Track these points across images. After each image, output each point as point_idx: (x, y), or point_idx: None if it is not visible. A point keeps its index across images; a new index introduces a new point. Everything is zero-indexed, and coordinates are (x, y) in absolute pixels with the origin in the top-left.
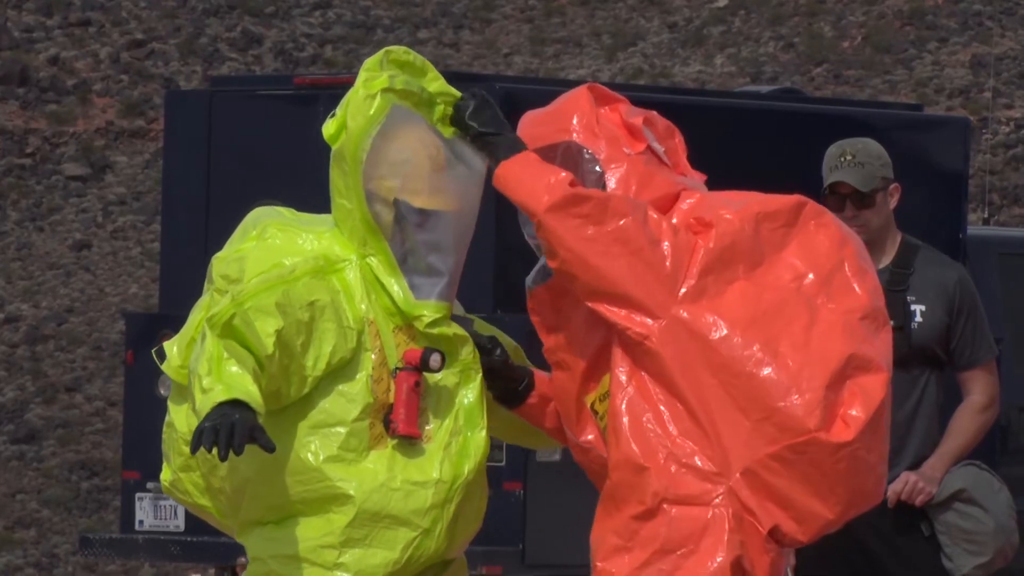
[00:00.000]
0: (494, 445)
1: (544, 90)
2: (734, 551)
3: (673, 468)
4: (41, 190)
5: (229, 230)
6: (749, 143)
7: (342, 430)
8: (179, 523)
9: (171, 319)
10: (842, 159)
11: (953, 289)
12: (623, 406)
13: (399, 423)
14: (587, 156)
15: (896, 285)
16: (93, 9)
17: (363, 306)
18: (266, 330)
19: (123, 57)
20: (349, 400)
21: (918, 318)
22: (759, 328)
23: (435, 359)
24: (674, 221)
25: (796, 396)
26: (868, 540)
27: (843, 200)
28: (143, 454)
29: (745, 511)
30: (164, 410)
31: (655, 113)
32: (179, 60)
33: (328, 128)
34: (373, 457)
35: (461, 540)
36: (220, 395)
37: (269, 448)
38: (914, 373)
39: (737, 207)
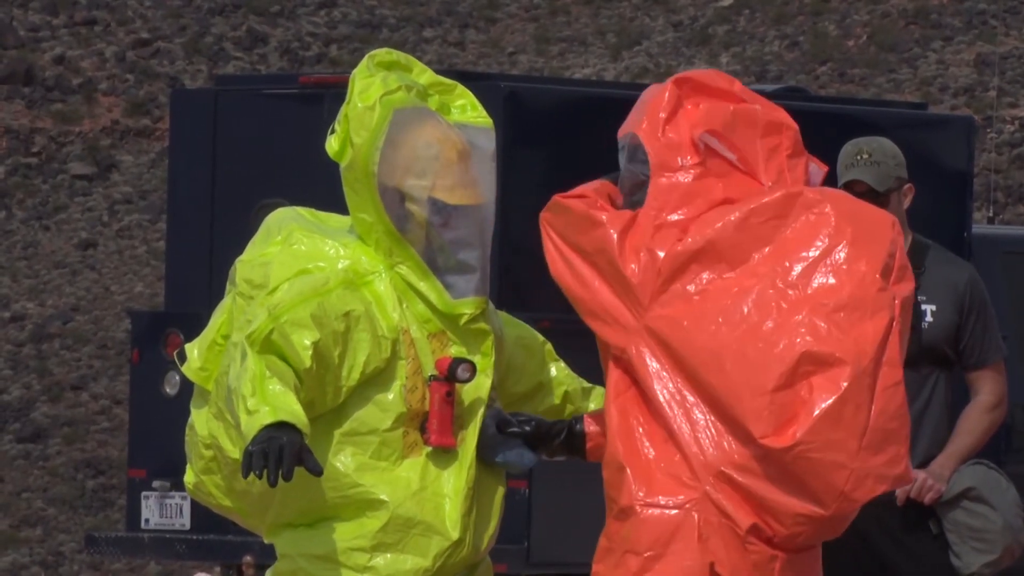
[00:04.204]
0: None
1: (549, 89)
2: (707, 556)
3: (650, 470)
4: (47, 189)
5: (235, 229)
6: None
7: (375, 439)
8: (185, 521)
9: (177, 317)
10: (858, 157)
11: (964, 289)
12: (614, 409)
13: (431, 434)
14: (642, 157)
15: None
16: (99, 8)
17: (396, 315)
18: (303, 343)
19: (129, 56)
20: (383, 410)
21: (929, 318)
22: (725, 332)
23: (463, 370)
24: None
25: (746, 403)
26: (876, 538)
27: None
28: (149, 452)
29: (721, 515)
30: (169, 408)
31: (757, 110)
32: (184, 59)
33: (332, 145)
34: (407, 465)
35: (486, 541)
36: (266, 417)
37: (316, 472)
38: (923, 372)
39: (724, 209)
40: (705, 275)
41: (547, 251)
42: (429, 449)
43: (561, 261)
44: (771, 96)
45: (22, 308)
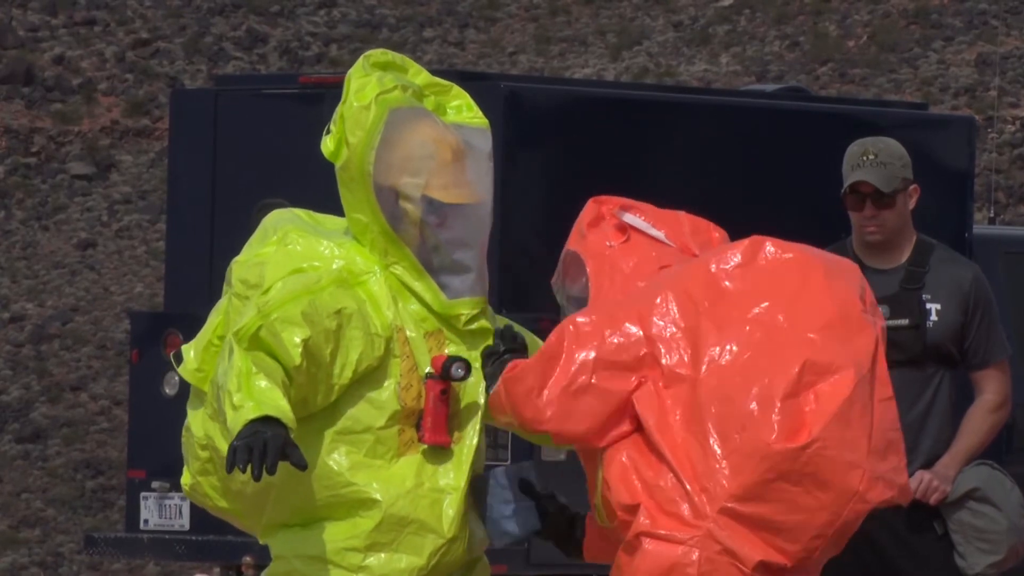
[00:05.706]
0: (499, 444)
1: (549, 89)
2: None
3: (655, 509)
4: (46, 189)
5: (235, 229)
6: (754, 142)
7: (369, 437)
8: (184, 522)
9: (176, 318)
10: (864, 158)
11: (968, 288)
12: (617, 457)
13: (425, 432)
14: (577, 259)
15: (912, 284)
16: (98, 8)
17: (390, 313)
18: (293, 340)
19: (128, 56)
20: (377, 407)
21: (933, 316)
22: (719, 368)
23: (457, 368)
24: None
25: (754, 416)
26: (881, 539)
27: (863, 199)
28: (148, 453)
29: (724, 553)
30: (169, 409)
31: (682, 214)
32: (184, 59)
33: (327, 146)
34: (402, 463)
35: (478, 538)
36: (251, 412)
37: (301, 466)
38: (928, 372)
39: (691, 263)
40: (690, 323)
41: (539, 427)
42: (424, 447)
43: (551, 422)
44: (772, 97)
45: (21, 309)
